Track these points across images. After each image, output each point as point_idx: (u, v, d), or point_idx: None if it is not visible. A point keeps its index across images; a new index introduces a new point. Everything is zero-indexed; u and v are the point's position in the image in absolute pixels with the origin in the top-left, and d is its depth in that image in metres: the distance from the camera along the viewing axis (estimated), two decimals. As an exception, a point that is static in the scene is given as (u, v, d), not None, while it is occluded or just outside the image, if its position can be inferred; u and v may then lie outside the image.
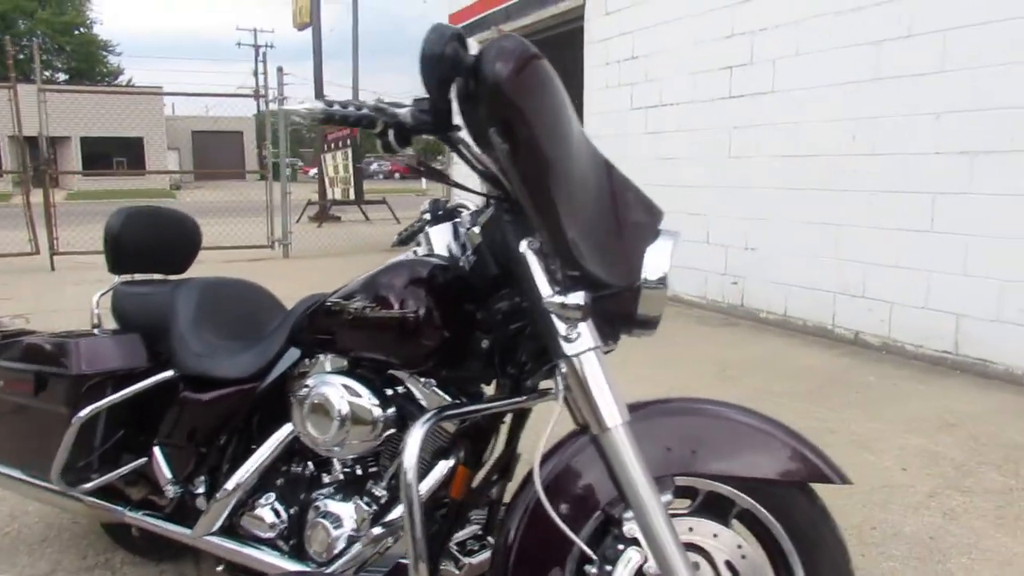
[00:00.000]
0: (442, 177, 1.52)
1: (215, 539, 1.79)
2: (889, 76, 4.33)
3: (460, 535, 1.65)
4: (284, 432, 1.74)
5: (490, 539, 1.68)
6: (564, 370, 1.34)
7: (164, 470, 1.93)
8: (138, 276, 2.21)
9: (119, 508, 1.98)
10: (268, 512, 1.77)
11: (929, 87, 4.13)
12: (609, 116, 6.83)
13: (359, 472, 1.69)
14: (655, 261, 1.41)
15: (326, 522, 1.63)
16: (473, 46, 1.25)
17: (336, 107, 1.29)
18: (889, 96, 4.34)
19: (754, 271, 5.36)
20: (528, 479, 1.39)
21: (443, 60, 1.22)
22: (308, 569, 1.65)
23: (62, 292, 6.79)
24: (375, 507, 1.62)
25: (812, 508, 1.39)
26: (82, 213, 8.32)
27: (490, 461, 1.71)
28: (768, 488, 1.37)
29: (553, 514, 1.35)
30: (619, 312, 1.43)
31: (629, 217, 1.42)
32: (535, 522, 1.38)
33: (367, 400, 1.57)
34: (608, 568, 1.34)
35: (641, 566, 1.33)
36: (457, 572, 1.61)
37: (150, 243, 2.20)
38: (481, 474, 1.75)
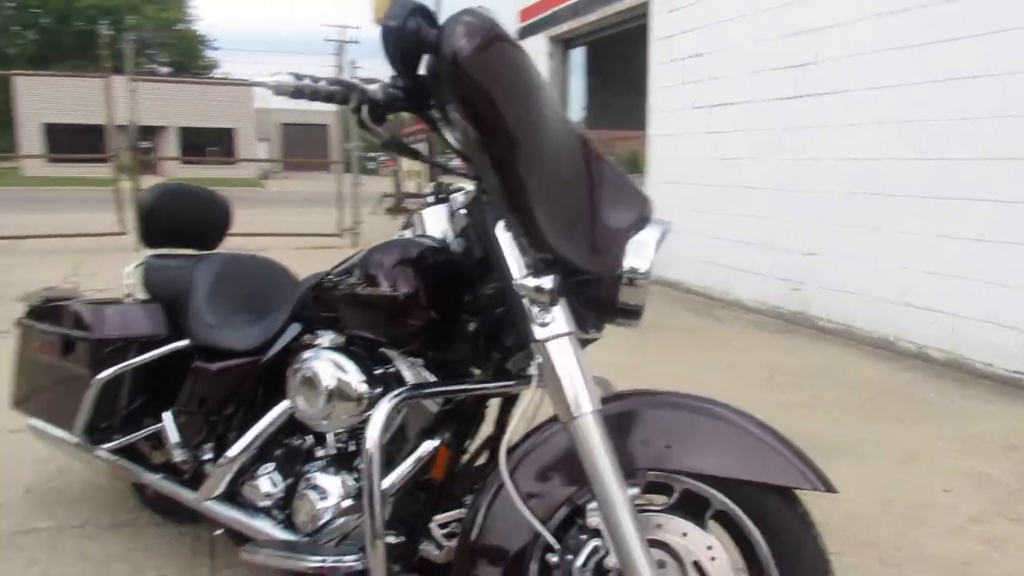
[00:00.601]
0: (416, 155, 1.51)
1: (215, 504, 1.85)
2: (961, 77, 4.11)
3: (443, 518, 1.64)
4: (285, 405, 1.77)
5: None
6: (537, 355, 1.33)
7: (174, 435, 2.00)
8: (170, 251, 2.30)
9: (137, 469, 2.06)
10: (266, 482, 1.81)
11: (1004, 89, 3.90)
12: (672, 115, 6.72)
13: (351, 448, 1.72)
14: (639, 250, 1.38)
15: (313, 494, 1.66)
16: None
17: (307, 81, 1.30)
18: (960, 99, 4.12)
19: (815, 277, 5.17)
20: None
21: (404, 34, 1.22)
22: (293, 538, 1.68)
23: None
24: (361, 481, 1.64)
25: (792, 515, 1.32)
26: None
27: (475, 445, 1.72)
28: (746, 490, 1.31)
29: (518, 501, 1.34)
30: (600, 300, 1.41)
31: (612, 205, 1.38)
32: (501, 508, 1.36)
33: (354, 376, 1.59)
34: (570, 558, 1.32)
35: (602, 558, 1.31)
36: (438, 553, 1.61)
37: (181, 219, 2.28)
38: (471, 459, 1.76)
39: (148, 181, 8.56)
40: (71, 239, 8.49)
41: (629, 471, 1.31)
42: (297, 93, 1.30)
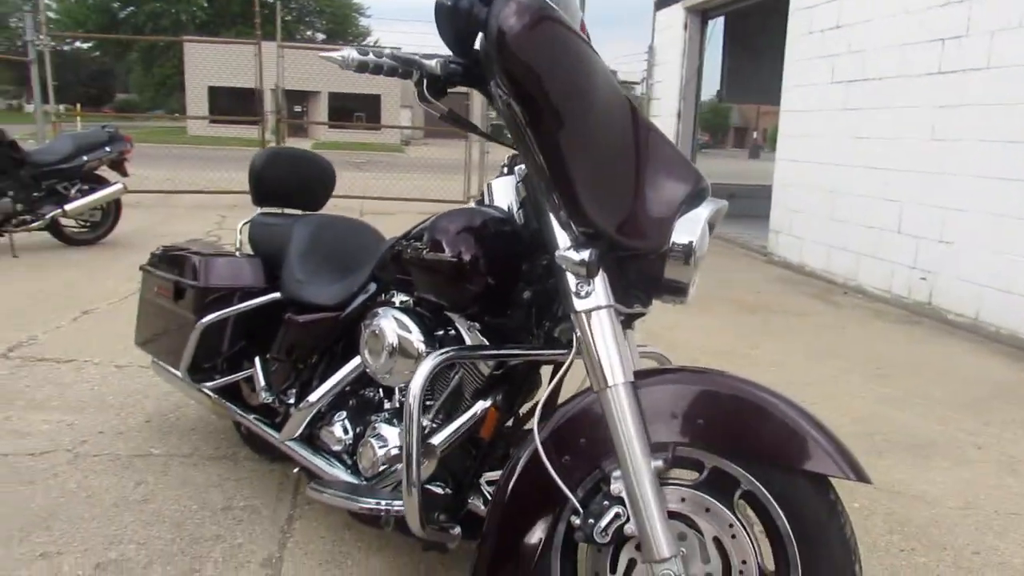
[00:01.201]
0: (473, 128, 1.56)
1: (295, 444, 2.01)
2: None
3: (492, 475, 1.72)
4: (359, 359, 1.90)
5: None
6: (576, 326, 1.37)
7: (262, 379, 2.18)
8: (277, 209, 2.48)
9: (232, 407, 2.26)
10: (338, 428, 1.95)
11: None
12: (806, 89, 6.40)
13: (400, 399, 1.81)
14: (687, 227, 1.38)
15: (375, 442, 1.77)
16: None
17: (371, 56, 1.37)
18: None
19: (946, 267, 4.84)
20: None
21: (457, 13, 1.27)
22: (355, 481, 1.81)
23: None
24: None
25: (820, 501, 1.29)
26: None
27: (526, 408, 1.78)
28: (774, 473, 1.30)
29: (547, 463, 1.38)
30: (645, 275, 1.42)
31: (660, 181, 1.38)
32: (532, 469, 1.41)
33: (415, 335, 1.68)
34: (591, 521, 1.36)
35: (623, 525, 1.34)
36: (484, 508, 1.68)
37: (288, 181, 2.44)
38: (522, 421, 1.82)
39: (300, 144, 9.08)
40: (220, 195, 9.13)
41: (658, 443, 1.33)
42: (362, 67, 1.37)
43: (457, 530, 1.64)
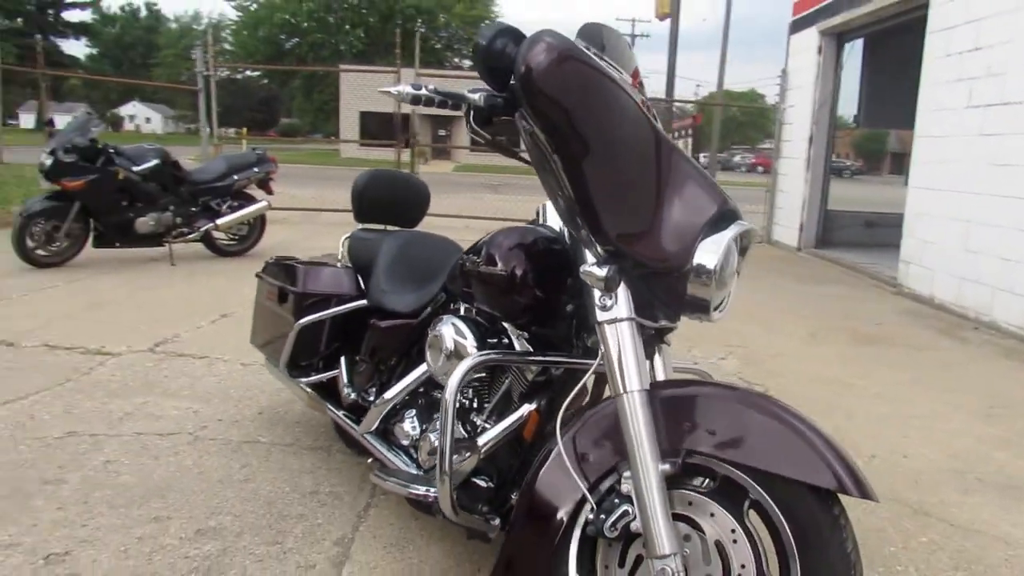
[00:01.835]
0: (515, 155, 1.70)
1: (371, 437, 2.21)
2: None
3: None
4: None
5: None
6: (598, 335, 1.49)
7: (345, 377, 2.41)
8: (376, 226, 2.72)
9: (324, 402, 2.50)
10: (408, 424, 2.14)
11: None
12: (942, 114, 6.11)
13: (471, 404, 1.98)
14: (709, 248, 1.46)
15: (432, 436, 1.94)
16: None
17: (423, 91, 1.55)
18: None
19: (1089, 304, 4.49)
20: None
21: (491, 52, 1.43)
22: (411, 470, 1.99)
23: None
24: (470, 431, 1.89)
25: (823, 516, 1.33)
26: (452, 183, 9.52)
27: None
28: (780, 485, 1.36)
29: (568, 462, 1.50)
30: (668, 292, 1.51)
31: (683, 203, 1.47)
32: (555, 468, 1.53)
33: (469, 340, 1.84)
34: (603, 517, 1.46)
35: (630, 522, 1.43)
36: None
37: (385, 200, 2.68)
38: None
39: (442, 166, 9.48)
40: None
41: (670, 449, 1.42)
42: (415, 100, 1.55)
43: (497, 521, 1.77)
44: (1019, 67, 5.22)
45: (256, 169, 6.59)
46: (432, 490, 1.81)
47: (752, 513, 1.41)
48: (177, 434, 2.81)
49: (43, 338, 3.92)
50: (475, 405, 1.97)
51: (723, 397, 1.48)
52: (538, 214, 1.90)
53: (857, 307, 5.92)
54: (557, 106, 1.37)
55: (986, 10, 5.61)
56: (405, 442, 2.13)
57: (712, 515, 1.42)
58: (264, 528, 2.18)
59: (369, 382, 2.38)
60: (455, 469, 1.84)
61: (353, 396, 2.37)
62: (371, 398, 2.33)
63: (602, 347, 1.49)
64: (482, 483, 1.83)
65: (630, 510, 1.43)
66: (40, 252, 5.71)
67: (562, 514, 1.52)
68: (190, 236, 6.32)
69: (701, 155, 39.94)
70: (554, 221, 1.82)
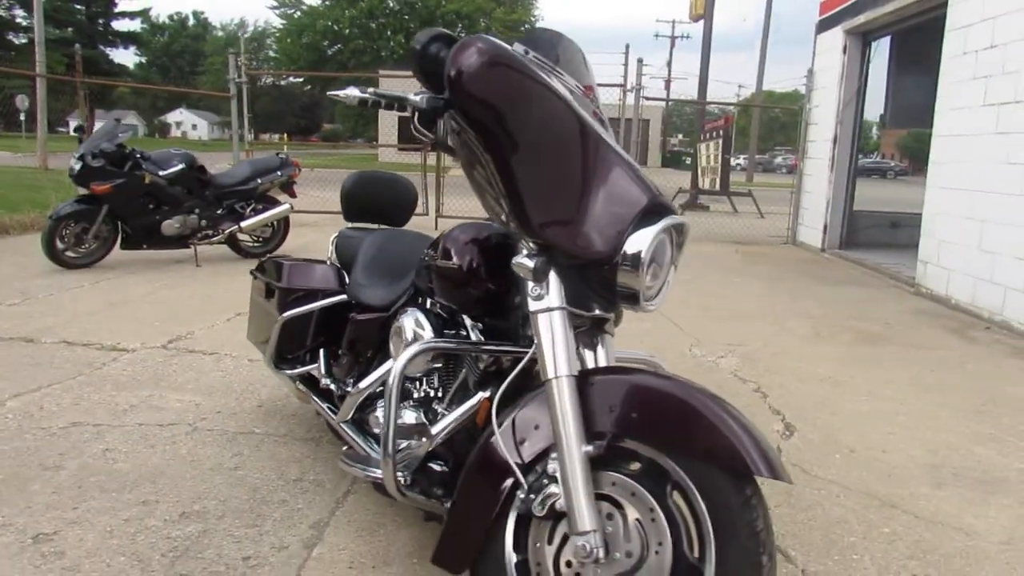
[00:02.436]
0: (453, 153, 1.79)
1: (347, 426, 2.31)
2: None
3: None
4: None
5: None
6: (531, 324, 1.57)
7: (323, 368, 2.52)
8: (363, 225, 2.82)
9: (309, 392, 2.61)
10: (380, 413, 2.23)
11: None
12: (959, 113, 6.04)
13: (435, 392, 2.07)
14: (637, 240, 1.52)
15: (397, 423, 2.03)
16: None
17: (368, 94, 1.64)
18: None
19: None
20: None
21: (425, 56, 1.52)
22: (374, 455, 2.08)
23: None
24: (430, 418, 1.98)
25: (736, 497, 1.39)
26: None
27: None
28: (697, 466, 1.42)
29: (501, 445, 1.59)
30: (599, 283, 1.59)
31: (612, 199, 1.54)
32: (491, 451, 1.62)
33: (427, 332, 1.94)
34: (532, 497, 1.54)
35: (556, 501, 1.51)
36: None
37: (372, 199, 2.79)
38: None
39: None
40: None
41: (595, 432, 1.50)
42: (362, 103, 1.64)
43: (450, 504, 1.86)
44: (1033, 64, 5.15)
45: (279, 173, 6.77)
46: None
47: (677, 494, 1.48)
48: (176, 424, 2.95)
49: (62, 335, 4.11)
50: (439, 394, 2.06)
51: (650, 385, 1.55)
52: None
53: (870, 307, 5.88)
54: (484, 106, 1.46)
55: (1001, 8, 5.54)
56: (376, 430, 2.23)
57: (633, 495, 1.49)
58: (246, 512, 2.30)
59: (349, 373, 2.49)
60: (411, 453, 1.94)
61: (331, 386, 2.47)
62: (348, 388, 2.43)
63: (535, 335, 1.57)
64: (437, 467, 1.92)
65: (557, 490, 1.51)
66: (69, 254, 5.96)
67: (497, 494, 1.60)
68: (215, 238, 6.53)
69: (742, 156, 39.65)
70: None
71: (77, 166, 5.90)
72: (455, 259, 1.83)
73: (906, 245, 8.52)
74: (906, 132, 44.24)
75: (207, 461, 2.64)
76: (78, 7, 50.81)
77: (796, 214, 9.94)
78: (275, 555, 2.07)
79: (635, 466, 1.53)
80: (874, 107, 9.65)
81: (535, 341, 1.56)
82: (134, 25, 58.49)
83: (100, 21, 52.82)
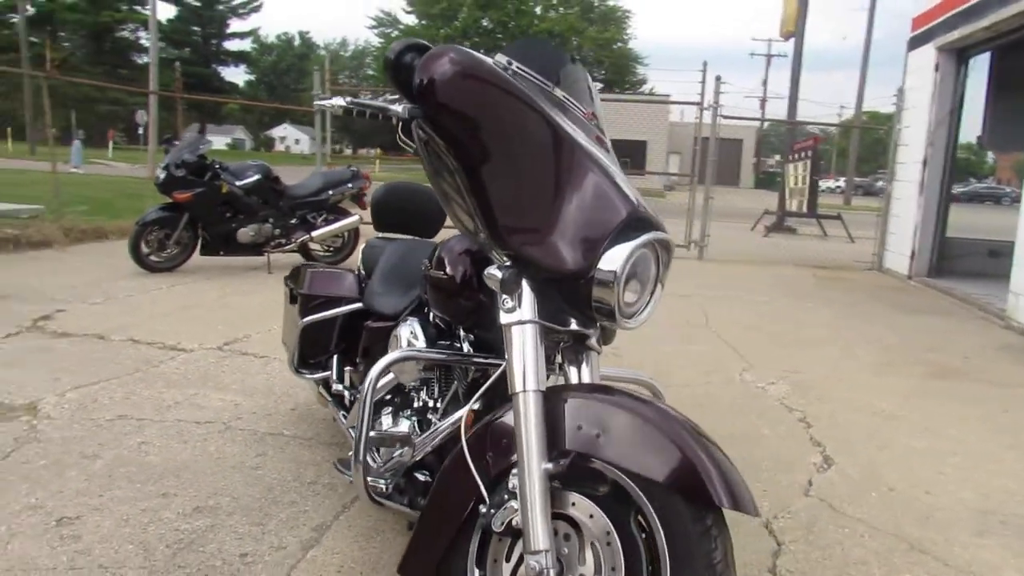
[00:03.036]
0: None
1: (353, 431, 2.35)
2: None
3: None
4: None
5: None
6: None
7: (335, 372, 2.57)
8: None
9: (326, 396, 2.67)
10: (386, 419, 2.26)
11: None
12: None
13: (435, 403, 2.07)
14: (613, 256, 1.50)
15: (392, 432, 2.05)
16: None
17: (353, 104, 1.67)
18: None
19: None
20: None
21: (399, 66, 1.53)
22: (371, 463, 2.10)
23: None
24: (422, 425, 1.99)
25: (695, 525, 1.34)
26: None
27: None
28: (658, 491, 1.37)
29: (468, 459, 1.57)
30: (575, 298, 1.56)
31: (589, 213, 1.51)
32: (458, 465, 1.60)
33: (420, 342, 1.96)
34: (492, 512, 1.52)
35: (513, 519, 1.48)
36: None
37: (402, 210, 2.84)
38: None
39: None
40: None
41: (558, 450, 1.46)
42: (347, 112, 1.67)
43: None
44: None
45: (350, 185, 6.97)
46: (370, 479, 1.91)
47: (641, 519, 1.43)
48: (212, 423, 3.06)
49: (131, 334, 4.34)
50: (437, 405, 2.07)
51: (622, 406, 1.49)
52: None
53: (951, 339, 5.55)
54: (452, 115, 1.46)
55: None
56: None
57: (591, 516, 1.44)
58: (255, 510, 2.36)
59: (362, 380, 2.53)
60: (398, 462, 1.95)
61: (343, 391, 2.52)
62: (359, 394, 2.47)
63: (505, 348, 1.55)
64: (421, 477, 1.93)
65: (517, 506, 1.48)
66: (153, 258, 6.30)
67: (462, 508, 1.58)
68: (287, 246, 6.77)
69: (842, 179, 38.24)
70: None
71: (162, 175, 6.24)
72: (447, 269, 1.84)
73: (1003, 275, 8.02)
74: None
75: (231, 459, 2.73)
76: (195, 28, 53.87)
77: (883, 239, 9.50)
78: (272, 554, 2.12)
79: (603, 488, 1.48)
80: (972, 128, 9.14)
81: (506, 353, 1.55)
82: (244, 45, 61.62)
83: (213, 41, 55.84)
